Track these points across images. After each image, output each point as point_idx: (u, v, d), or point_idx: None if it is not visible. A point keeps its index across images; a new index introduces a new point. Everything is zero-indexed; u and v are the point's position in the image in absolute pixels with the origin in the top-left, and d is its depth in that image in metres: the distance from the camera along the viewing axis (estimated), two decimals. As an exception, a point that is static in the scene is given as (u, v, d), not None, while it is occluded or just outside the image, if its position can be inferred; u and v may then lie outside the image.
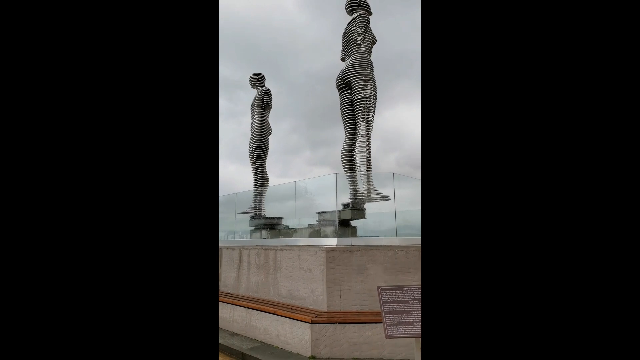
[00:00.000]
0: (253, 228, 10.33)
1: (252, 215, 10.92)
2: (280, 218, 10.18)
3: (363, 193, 7.87)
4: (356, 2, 8.26)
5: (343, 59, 8.65)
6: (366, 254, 4.82)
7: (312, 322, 4.29)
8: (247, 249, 6.11)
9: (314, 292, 4.88)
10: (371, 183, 7.80)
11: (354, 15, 8.19)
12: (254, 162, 11.11)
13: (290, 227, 9.67)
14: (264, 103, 10.93)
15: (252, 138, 11.04)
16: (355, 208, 7.98)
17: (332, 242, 5.38)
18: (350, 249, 4.86)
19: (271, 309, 4.85)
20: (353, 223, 8.22)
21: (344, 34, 8.42)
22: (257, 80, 11.36)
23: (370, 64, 7.96)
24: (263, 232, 9.95)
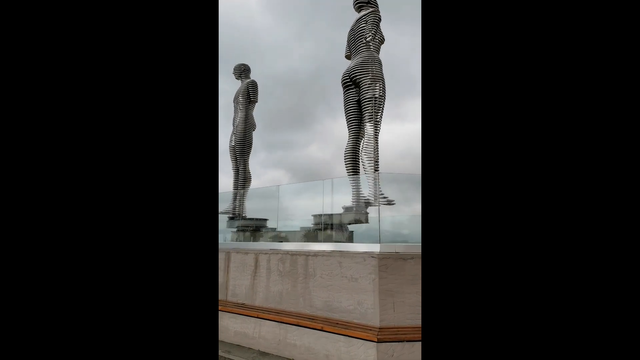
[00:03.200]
0: (235, 230, 9.41)
1: (231, 215, 9.98)
2: (265, 220, 9.38)
3: (366, 196, 7.40)
4: (366, 0, 7.82)
5: (347, 57, 8.15)
6: (420, 262, 4.29)
7: (379, 341, 3.67)
8: (266, 253, 5.31)
9: (361, 305, 4.25)
10: (378, 186, 7.33)
11: (364, 13, 7.71)
12: (235, 159, 10.18)
13: (275, 229, 8.94)
14: (249, 96, 10.07)
15: (234, 133, 10.12)
16: (358, 211, 7.49)
17: (374, 247, 4.78)
18: (403, 257, 4.31)
19: (318, 324, 4.14)
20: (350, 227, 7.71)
21: (352, 30, 7.91)
22: (243, 71, 10.47)
23: (380, 63, 7.54)
24: (246, 234, 9.09)
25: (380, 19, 7.72)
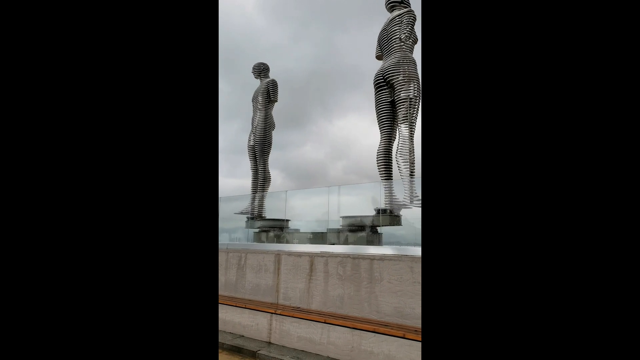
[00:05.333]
0: (257, 230, 9.14)
1: (250, 216, 9.69)
2: (287, 220, 9.14)
3: (398, 199, 7.27)
4: (399, 0, 7.70)
5: (379, 57, 8.00)
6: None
7: (473, 349, 3.51)
8: (322, 256, 5.09)
9: (438, 311, 4.09)
10: (414, 189, 7.20)
11: (397, 13, 7.56)
12: (254, 159, 9.88)
13: (299, 230, 8.73)
14: (269, 95, 9.78)
15: (253, 132, 9.81)
16: (392, 214, 7.36)
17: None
18: (479, 262, 4.16)
19: (399, 332, 3.95)
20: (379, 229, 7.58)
21: (384, 30, 7.76)
22: (262, 70, 10.17)
23: (414, 63, 7.39)
24: (270, 234, 8.84)
25: (415, 19, 7.58)
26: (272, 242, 8.67)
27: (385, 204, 7.46)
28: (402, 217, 7.45)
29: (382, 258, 4.59)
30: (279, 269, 5.47)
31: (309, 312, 4.85)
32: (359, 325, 4.22)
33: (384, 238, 7.62)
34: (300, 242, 8.12)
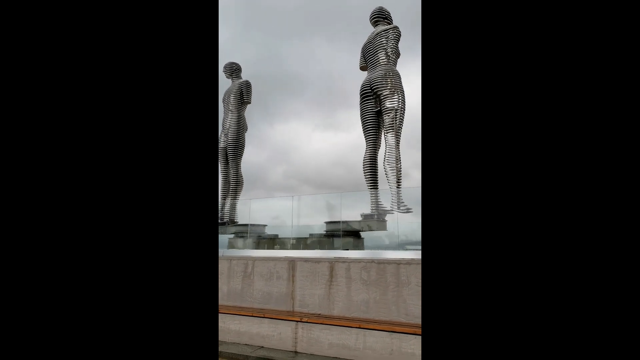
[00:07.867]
0: (232, 236, 8.73)
1: (219, 221, 9.23)
2: (264, 225, 8.90)
3: (385, 206, 7.55)
4: (383, 15, 8.06)
5: (362, 68, 8.24)
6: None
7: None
8: (344, 262, 5.07)
9: (469, 311, 4.34)
10: (400, 195, 7.54)
11: (382, 28, 7.91)
12: (226, 162, 9.45)
13: (278, 235, 8.56)
14: (242, 97, 9.47)
15: (225, 134, 9.39)
16: (378, 219, 7.61)
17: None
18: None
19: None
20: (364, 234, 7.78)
21: (369, 43, 8.04)
22: (234, 70, 9.80)
23: (399, 75, 7.80)
24: (247, 241, 8.53)
25: (400, 35, 7.97)
26: (249, 248, 8.36)
27: (372, 210, 7.68)
28: (387, 222, 7.70)
29: (410, 262, 4.73)
30: (293, 275, 5.32)
31: (337, 317, 4.79)
32: (398, 328, 4.29)
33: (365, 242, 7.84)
34: (282, 248, 7.97)
